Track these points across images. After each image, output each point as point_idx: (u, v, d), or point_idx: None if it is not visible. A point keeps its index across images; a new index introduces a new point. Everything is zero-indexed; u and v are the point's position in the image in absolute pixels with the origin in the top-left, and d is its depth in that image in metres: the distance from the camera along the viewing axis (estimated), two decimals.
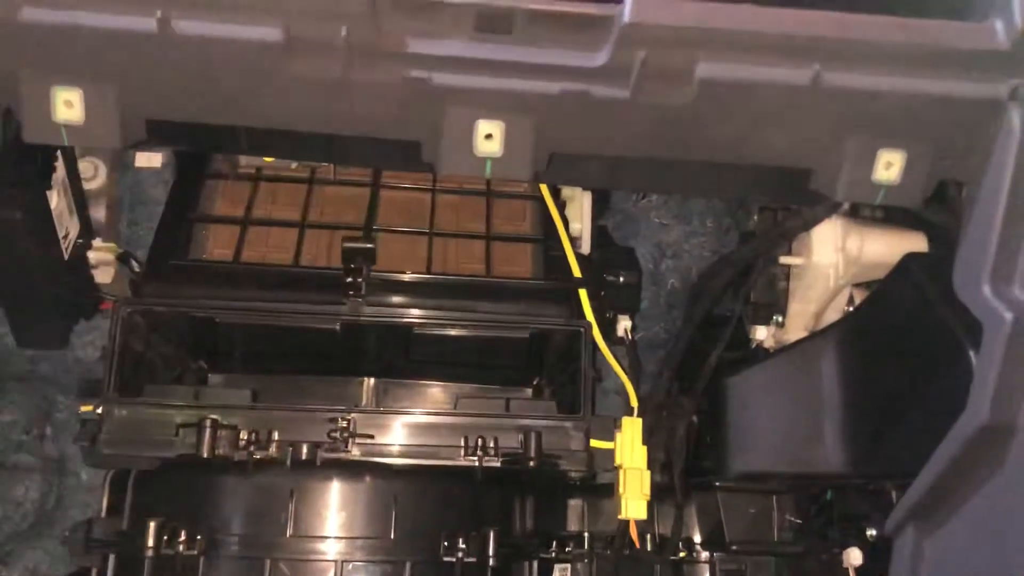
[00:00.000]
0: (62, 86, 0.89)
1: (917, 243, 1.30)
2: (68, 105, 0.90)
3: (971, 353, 0.98)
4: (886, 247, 1.32)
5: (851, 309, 1.41)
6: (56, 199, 1.38)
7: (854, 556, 1.34)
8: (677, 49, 0.87)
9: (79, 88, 0.89)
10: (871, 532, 1.32)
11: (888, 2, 0.94)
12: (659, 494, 1.38)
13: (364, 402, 1.50)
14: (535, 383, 1.60)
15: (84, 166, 1.52)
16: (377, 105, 0.91)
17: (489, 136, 0.92)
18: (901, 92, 0.89)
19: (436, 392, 1.57)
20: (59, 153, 1.35)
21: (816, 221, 1.35)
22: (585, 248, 1.57)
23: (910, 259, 1.21)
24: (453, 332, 1.43)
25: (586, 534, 1.50)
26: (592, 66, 0.89)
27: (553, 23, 0.89)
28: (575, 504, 1.55)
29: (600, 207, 1.68)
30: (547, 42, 0.89)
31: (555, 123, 0.92)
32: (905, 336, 1.18)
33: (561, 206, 1.57)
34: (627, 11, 0.86)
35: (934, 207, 1.06)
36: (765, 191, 1.23)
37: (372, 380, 1.53)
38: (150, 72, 0.89)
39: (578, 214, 1.59)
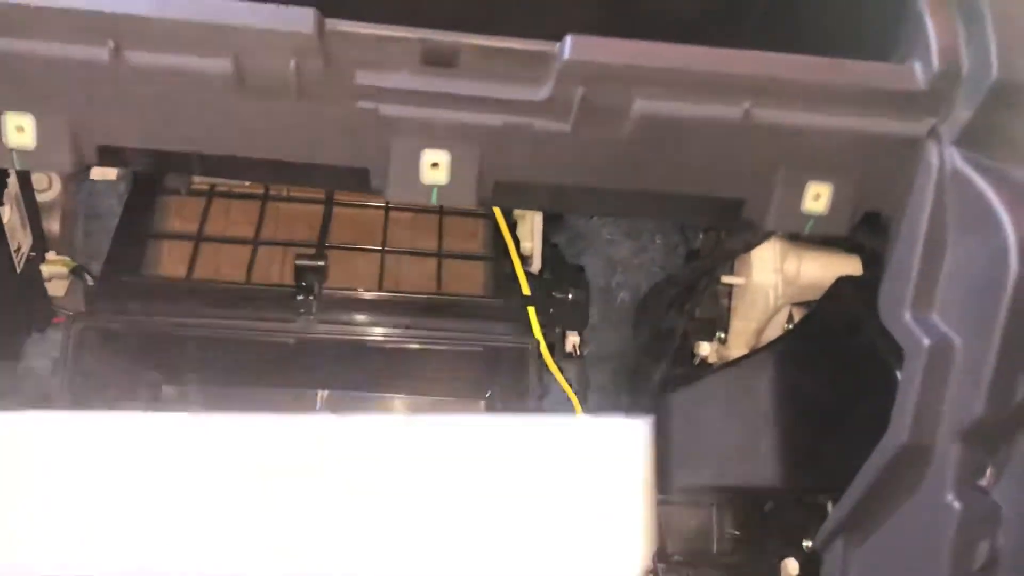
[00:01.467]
0: (13, 111, 0.90)
1: (852, 266, 1.35)
2: (19, 130, 0.91)
3: (897, 374, 1.03)
4: (823, 269, 1.37)
5: (791, 327, 1.46)
6: (8, 213, 1.39)
7: (791, 566, 1.39)
8: (614, 86, 0.91)
9: (31, 114, 0.91)
10: (807, 543, 1.36)
11: (814, 41, 0.99)
12: None
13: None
14: (488, 395, 1.64)
15: (38, 178, 1.53)
16: (326, 134, 0.94)
17: (435, 165, 0.95)
18: (827, 128, 0.94)
19: (390, 404, 1.60)
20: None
21: (755, 243, 1.40)
22: (536, 266, 1.61)
23: (842, 282, 1.26)
24: (406, 348, 1.45)
25: None
26: (534, 100, 0.92)
27: (497, 58, 0.92)
28: None
29: (553, 225, 1.72)
30: (491, 76, 0.92)
31: (499, 153, 0.96)
32: (838, 356, 1.23)
33: (512, 225, 1.61)
34: (566, 48, 0.89)
35: (866, 232, 1.11)
36: (701, 218, 1.27)
37: (326, 393, 1.55)
38: (102, 100, 0.90)
39: (529, 233, 1.62)
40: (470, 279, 1.55)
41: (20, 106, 0.90)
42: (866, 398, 1.15)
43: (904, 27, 0.94)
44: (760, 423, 1.35)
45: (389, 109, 0.92)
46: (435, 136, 0.94)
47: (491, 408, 1.62)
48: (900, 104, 0.93)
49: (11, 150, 0.91)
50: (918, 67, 0.92)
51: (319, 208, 1.54)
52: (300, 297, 1.37)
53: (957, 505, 0.90)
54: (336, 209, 1.55)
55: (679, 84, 0.91)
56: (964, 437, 0.90)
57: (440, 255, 1.55)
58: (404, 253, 1.54)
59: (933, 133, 0.93)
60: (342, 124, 0.93)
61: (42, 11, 0.84)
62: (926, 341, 0.92)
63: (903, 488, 0.98)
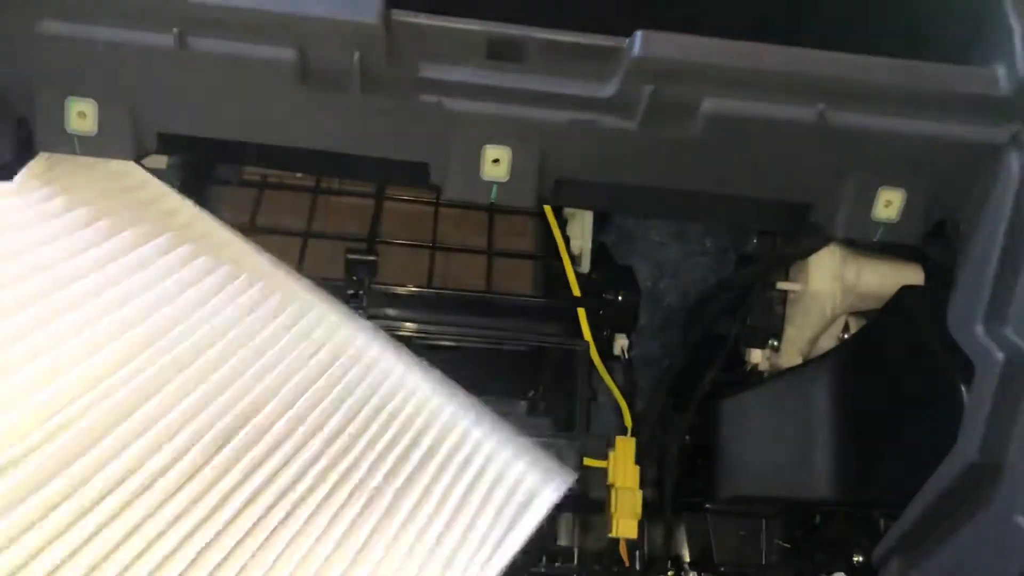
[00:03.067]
0: (76, 97, 0.90)
1: (914, 275, 1.31)
2: (81, 116, 0.91)
3: (963, 389, 1.00)
4: (883, 278, 1.33)
5: (846, 337, 1.42)
6: None
7: None
8: (684, 83, 0.88)
9: (93, 100, 0.91)
10: (857, 558, 1.33)
11: (893, 44, 0.96)
12: (649, 511, 1.39)
13: None
14: (531, 395, 1.62)
15: None
16: (387, 127, 0.93)
17: (496, 161, 0.93)
18: (903, 133, 0.91)
19: None
20: None
21: (814, 249, 1.36)
22: (585, 266, 1.58)
23: (905, 292, 1.22)
24: (451, 345, 1.44)
25: (575, 549, 1.52)
26: (600, 97, 0.90)
27: (564, 53, 0.90)
28: (565, 519, 1.56)
29: (600, 225, 1.69)
30: (557, 71, 0.91)
31: (561, 150, 0.94)
32: (898, 368, 1.20)
33: (563, 223, 1.59)
34: (636, 45, 0.87)
35: (932, 242, 1.08)
36: (766, 222, 1.24)
37: None
38: (164, 87, 0.90)
39: (579, 232, 1.60)
40: (519, 277, 1.53)
41: (82, 91, 0.90)
42: (927, 413, 1.12)
43: (987, 29, 0.91)
44: (813, 434, 1.32)
45: (452, 103, 0.91)
46: (497, 132, 0.92)
47: (533, 408, 1.60)
48: (981, 109, 0.90)
49: (72, 136, 0.91)
50: (1001, 71, 0.89)
51: (370, 202, 1.53)
52: (350, 291, 1.36)
53: None
54: (387, 203, 1.54)
55: (751, 83, 0.88)
56: None
57: (490, 252, 1.53)
58: (454, 250, 1.53)
59: (1015, 140, 0.90)
60: (404, 117, 0.92)
61: None
62: (1000, 355, 0.89)
63: (969, 507, 0.95)
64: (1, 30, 0.85)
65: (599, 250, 1.67)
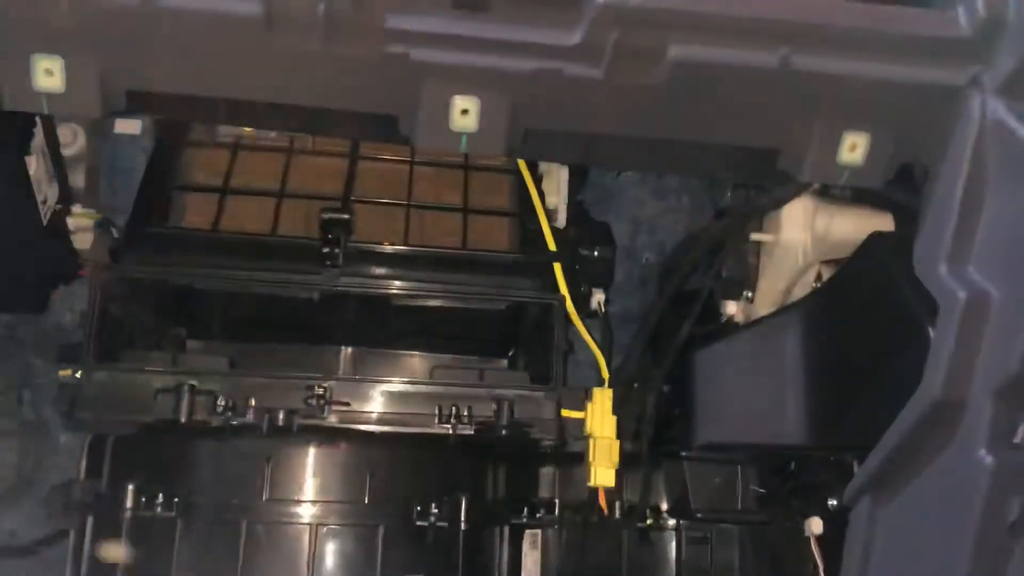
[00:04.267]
0: (42, 54, 0.90)
1: (884, 223, 1.33)
2: (48, 74, 0.90)
3: (930, 331, 1.01)
4: (853, 226, 1.35)
5: (819, 285, 1.44)
6: (35, 165, 1.39)
7: (815, 525, 1.39)
8: (649, 30, 0.89)
9: (60, 57, 0.90)
10: (832, 502, 1.36)
11: None
12: (628, 462, 1.42)
13: (341, 370, 1.52)
14: (511, 354, 1.63)
15: (63, 131, 1.52)
16: (356, 79, 0.93)
17: (465, 112, 0.94)
18: (866, 77, 0.92)
19: (412, 361, 1.60)
20: (38, 119, 1.36)
21: (786, 200, 1.38)
22: (561, 222, 1.59)
23: (875, 238, 1.24)
24: (429, 303, 1.45)
25: (556, 501, 1.54)
26: (566, 45, 0.91)
27: (529, 1, 0.90)
28: (546, 472, 1.59)
29: (578, 182, 1.70)
30: (523, 20, 0.91)
31: (530, 100, 0.94)
32: (868, 313, 1.22)
33: (538, 180, 1.60)
34: None
35: (899, 187, 1.09)
36: (734, 169, 1.25)
37: (349, 349, 1.55)
38: (131, 43, 0.90)
39: (555, 188, 1.61)
40: (495, 234, 1.54)
41: (49, 48, 0.90)
42: (896, 355, 1.14)
43: None
44: (786, 381, 1.34)
45: (419, 53, 0.91)
46: (465, 82, 0.93)
47: (513, 365, 1.61)
48: (942, 52, 0.91)
49: (40, 94, 0.91)
50: (962, 13, 0.90)
51: (343, 162, 1.53)
52: (326, 250, 1.37)
53: (989, 461, 0.89)
54: (361, 163, 1.54)
55: (716, 28, 0.89)
56: (998, 393, 0.89)
57: (465, 210, 1.53)
58: (429, 208, 1.53)
59: (975, 82, 0.91)
60: (371, 69, 0.92)
61: None
62: (962, 294, 0.91)
63: (933, 444, 0.97)
64: None
65: (576, 207, 1.68)
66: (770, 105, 0.95)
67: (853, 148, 0.96)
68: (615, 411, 1.39)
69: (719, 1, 0.89)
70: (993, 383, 0.90)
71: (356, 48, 0.90)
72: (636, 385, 1.54)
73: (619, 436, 1.38)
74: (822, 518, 1.38)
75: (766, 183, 1.35)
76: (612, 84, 0.92)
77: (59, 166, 1.49)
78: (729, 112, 0.96)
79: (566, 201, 1.61)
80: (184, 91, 0.96)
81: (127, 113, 0.99)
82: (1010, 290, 0.89)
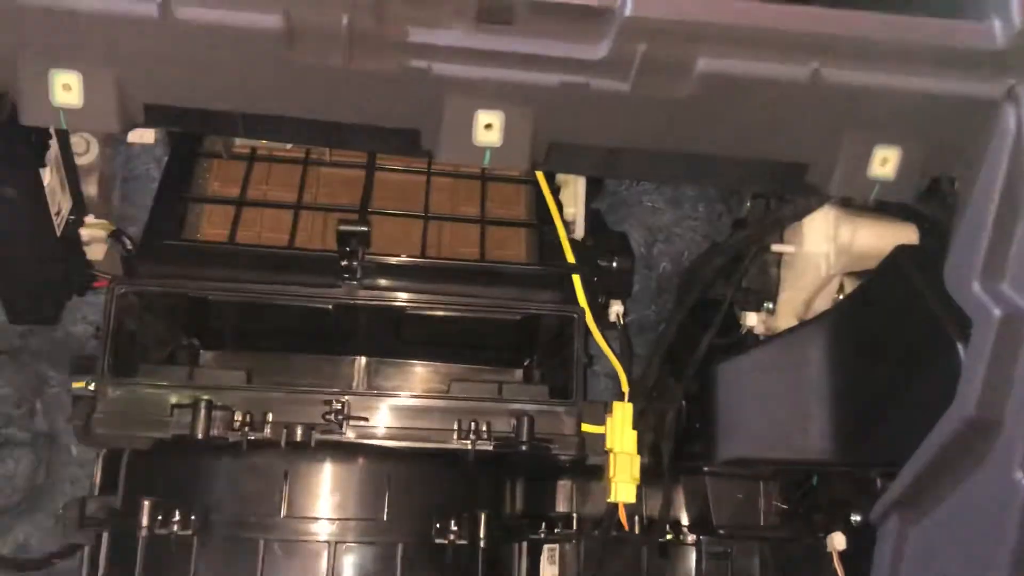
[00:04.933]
0: (60, 69, 0.89)
1: (908, 235, 1.31)
2: (66, 89, 0.89)
3: (959, 347, 0.99)
4: (877, 238, 1.33)
5: (841, 298, 1.42)
6: (49, 176, 1.38)
7: (838, 541, 1.37)
8: (677, 43, 0.87)
9: (78, 72, 0.89)
10: (855, 518, 1.34)
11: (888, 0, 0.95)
12: (647, 476, 1.40)
13: (356, 381, 1.51)
14: (526, 364, 1.62)
15: (76, 141, 1.51)
16: (377, 94, 0.91)
17: (488, 126, 0.92)
18: (898, 90, 0.90)
19: (428, 372, 1.58)
20: (53, 130, 1.35)
21: (808, 210, 1.36)
22: (579, 233, 1.58)
23: (900, 251, 1.22)
24: (446, 315, 1.43)
25: (575, 515, 1.52)
26: (592, 59, 0.89)
27: (554, 15, 0.89)
28: (564, 485, 1.57)
29: (593, 191, 1.68)
30: (548, 34, 0.89)
31: (554, 114, 0.93)
32: (894, 327, 1.20)
33: (555, 190, 1.58)
34: (628, 4, 0.86)
35: (926, 200, 1.07)
36: (761, 183, 1.24)
37: (364, 359, 1.54)
38: (149, 57, 0.89)
39: (572, 198, 1.59)
40: (513, 245, 1.52)
41: (67, 64, 0.89)
42: (923, 371, 1.12)
43: None
44: (809, 396, 1.32)
45: (442, 68, 0.89)
46: (489, 96, 0.91)
47: (529, 374, 1.60)
48: (976, 64, 0.89)
49: (58, 109, 0.90)
50: (997, 25, 0.88)
51: (360, 173, 1.52)
52: (343, 262, 1.35)
53: None
54: (378, 174, 1.53)
55: (745, 41, 0.87)
56: None
57: (483, 221, 1.52)
58: (447, 219, 1.52)
59: (1011, 95, 0.89)
60: (393, 84, 0.90)
61: None
62: (997, 311, 0.89)
63: (967, 464, 0.96)
64: None
65: (593, 217, 1.67)
66: (799, 119, 0.93)
67: (884, 162, 0.95)
68: (634, 425, 1.37)
69: (748, 13, 0.87)
70: None
71: (378, 63, 0.89)
72: (655, 394, 1.53)
73: (638, 450, 1.37)
74: (845, 534, 1.37)
75: (794, 195, 1.33)
76: (638, 98, 0.91)
77: (73, 176, 1.48)
78: (757, 126, 0.94)
79: (584, 211, 1.59)
80: (203, 105, 0.95)
81: (144, 125, 0.98)
82: None
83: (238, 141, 1.54)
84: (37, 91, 0.89)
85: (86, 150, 1.55)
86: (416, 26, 0.88)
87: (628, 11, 0.85)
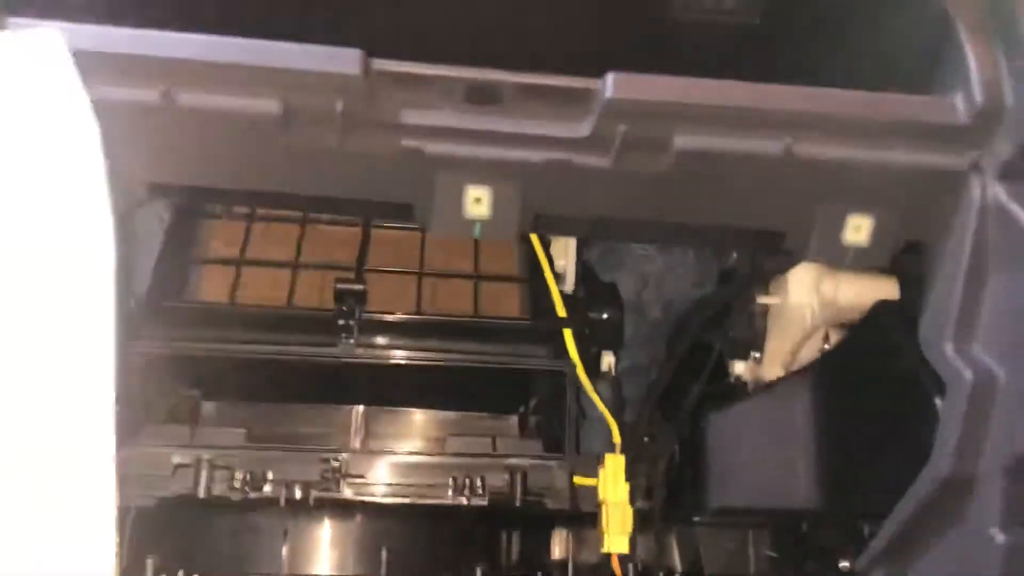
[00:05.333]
0: None
1: (890, 288, 1.34)
2: None
3: (937, 402, 1.03)
4: (859, 291, 1.36)
5: (827, 347, 1.45)
6: None
7: None
8: (655, 123, 0.92)
9: None
10: (844, 564, 1.36)
11: (853, 75, 1.00)
12: (640, 524, 1.42)
13: (354, 429, 1.53)
14: (521, 411, 1.64)
15: None
16: (371, 171, 0.96)
17: (478, 200, 0.96)
18: (868, 162, 0.94)
19: (424, 419, 1.61)
20: None
21: (791, 265, 1.39)
22: (569, 285, 1.61)
23: (880, 307, 1.26)
24: (441, 369, 1.47)
25: (570, 564, 1.54)
26: (576, 137, 0.93)
27: (539, 96, 0.93)
28: (559, 534, 1.59)
29: (584, 242, 1.72)
30: (533, 114, 0.94)
31: (540, 187, 0.97)
32: (875, 381, 1.23)
33: (547, 244, 1.62)
34: (608, 86, 0.90)
35: (904, 257, 1.11)
36: (740, 248, 1.27)
37: (362, 408, 1.57)
38: (153, 141, 0.93)
39: (563, 251, 1.63)
40: (506, 300, 1.56)
41: None
42: (905, 424, 1.15)
43: (945, 60, 0.94)
44: (797, 446, 1.35)
45: (433, 147, 0.94)
46: (478, 172, 0.95)
47: (523, 422, 1.63)
48: (942, 137, 0.93)
49: None
50: (960, 100, 0.92)
51: (357, 231, 1.56)
52: (341, 321, 1.39)
53: (1002, 539, 0.90)
54: (374, 231, 1.57)
55: (720, 119, 0.92)
56: (1008, 472, 0.90)
57: (476, 277, 1.56)
58: (441, 276, 1.55)
59: (975, 167, 0.94)
60: (387, 162, 0.95)
61: (97, 57, 0.86)
62: (968, 374, 0.93)
63: (946, 519, 0.98)
64: None
65: (583, 268, 1.70)
66: (774, 190, 0.97)
67: (857, 230, 0.98)
68: (627, 474, 1.40)
69: (722, 93, 0.92)
70: (1003, 461, 0.91)
71: (372, 143, 0.93)
72: (647, 442, 1.55)
73: (632, 499, 1.39)
74: None
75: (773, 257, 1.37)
76: (620, 172, 0.95)
77: None
78: (734, 197, 0.98)
79: (574, 264, 1.63)
80: (204, 184, 0.99)
81: (147, 200, 1.02)
82: (1015, 370, 0.90)
83: None
84: None
85: None
86: (407, 108, 0.93)
87: (609, 93, 0.90)
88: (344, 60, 0.89)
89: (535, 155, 0.94)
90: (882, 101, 0.93)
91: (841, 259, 0.99)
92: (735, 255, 1.60)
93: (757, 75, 0.93)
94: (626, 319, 1.67)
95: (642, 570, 1.52)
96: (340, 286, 1.40)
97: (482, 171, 0.95)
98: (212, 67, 0.88)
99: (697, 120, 0.92)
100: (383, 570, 1.31)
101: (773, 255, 1.42)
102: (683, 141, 0.92)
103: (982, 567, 0.92)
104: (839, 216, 0.98)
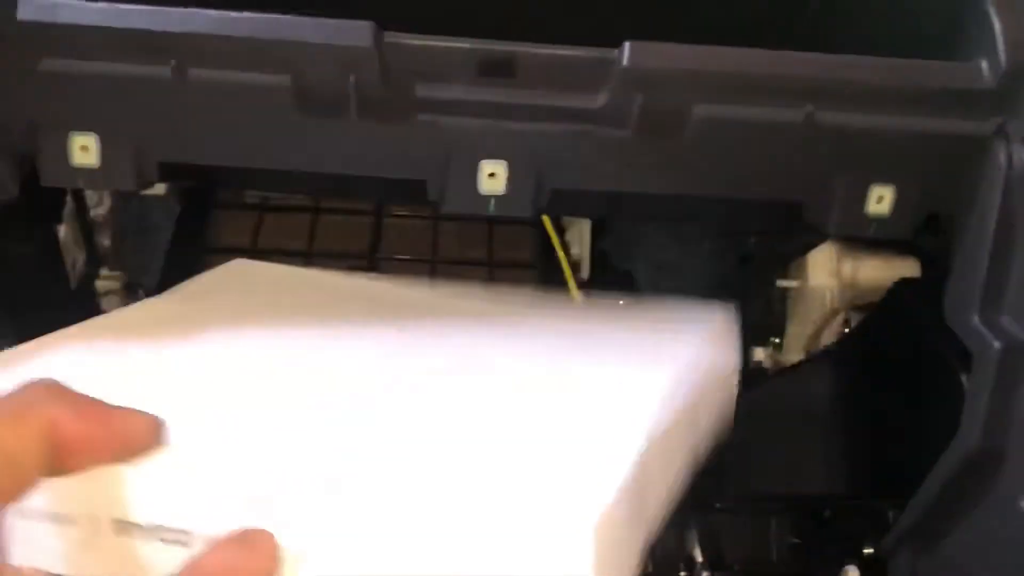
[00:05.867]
0: (78, 132, 0.92)
1: (910, 268, 1.32)
2: (83, 150, 0.92)
3: (963, 378, 1.01)
4: (880, 272, 1.35)
5: (847, 331, 1.44)
6: (64, 231, 1.41)
7: (852, 574, 1.37)
8: (674, 91, 0.90)
9: (95, 133, 0.92)
10: (868, 550, 1.34)
11: (876, 42, 0.98)
12: None
13: None
14: None
15: (89, 195, 1.55)
16: (384, 147, 0.94)
17: (492, 175, 0.95)
18: (891, 130, 0.93)
19: None
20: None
21: (810, 247, 1.38)
22: (584, 273, 1.60)
23: (901, 285, 1.24)
24: None
25: None
26: (592, 108, 0.92)
27: (554, 66, 0.92)
28: None
29: (599, 230, 1.71)
30: (549, 85, 0.92)
31: (557, 162, 0.95)
32: (898, 360, 1.21)
33: (561, 231, 1.61)
34: (625, 55, 0.89)
35: (925, 234, 1.09)
36: (759, 222, 1.26)
37: None
38: (163, 118, 0.92)
39: (578, 239, 1.62)
40: (520, 287, 1.54)
41: (84, 126, 0.92)
42: (929, 403, 1.13)
43: (969, 24, 0.92)
44: (818, 430, 1.33)
45: (447, 121, 0.92)
46: (493, 146, 0.94)
47: None
48: (966, 103, 0.92)
49: (76, 170, 0.93)
50: (984, 65, 0.90)
51: (369, 220, 1.55)
52: None
53: None
54: (385, 220, 1.56)
55: (740, 88, 0.90)
56: None
57: (490, 264, 1.55)
58: (454, 263, 1.54)
59: (1000, 132, 0.92)
60: (400, 137, 0.93)
61: (107, 32, 0.86)
62: (997, 344, 0.91)
63: (973, 494, 0.97)
64: (4, 70, 0.86)
65: (598, 257, 1.69)
66: (795, 160, 0.95)
67: (880, 200, 0.97)
68: None
69: (742, 61, 0.90)
70: None
71: (385, 117, 0.92)
72: None
73: None
74: (858, 567, 1.36)
75: (793, 233, 1.36)
76: (638, 144, 0.93)
77: (87, 229, 1.51)
78: (754, 168, 0.96)
79: (589, 252, 1.61)
80: (214, 162, 0.97)
81: (158, 181, 1.01)
82: None
83: (249, 192, 1.57)
84: (57, 153, 0.92)
85: (99, 203, 1.58)
86: (421, 81, 0.92)
87: (624, 62, 0.88)
88: (356, 33, 0.88)
89: (551, 127, 0.93)
90: (905, 67, 0.91)
91: (863, 231, 0.98)
92: (752, 240, 1.58)
93: (776, 43, 0.92)
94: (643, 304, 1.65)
95: (662, 558, 1.50)
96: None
97: (497, 145, 0.94)
98: (223, 41, 0.88)
99: (716, 89, 0.90)
100: None
101: (791, 237, 1.40)
102: (702, 110, 0.91)
103: (1013, 540, 0.90)
104: (861, 186, 0.96)
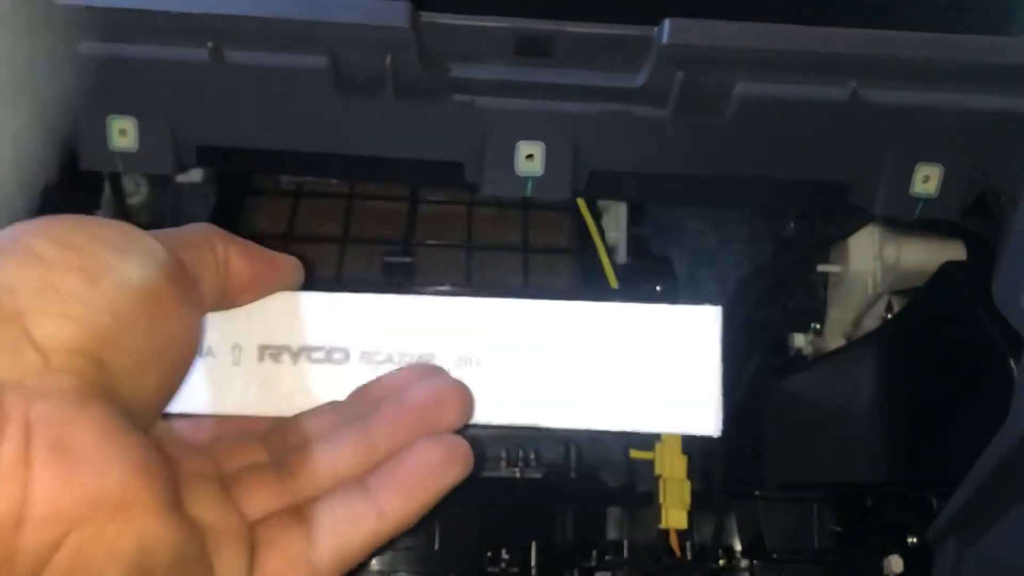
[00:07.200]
0: (117, 116, 0.92)
1: (955, 251, 1.30)
2: (123, 134, 0.93)
3: (1011, 363, 0.98)
4: (924, 255, 1.32)
5: (890, 316, 1.41)
6: (102, 217, 1.42)
7: (895, 563, 1.34)
8: (714, 69, 0.88)
9: (133, 117, 0.92)
10: (911, 540, 1.32)
11: (923, 17, 0.95)
12: (698, 502, 1.39)
13: None
14: None
15: (126, 181, 1.56)
16: (421, 129, 0.94)
17: (530, 156, 0.94)
18: (938, 107, 0.90)
19: None
20: (106, 173, 1.39)
21: (852, 230, 1.35)
22: (621, 258, 1.58)
23: (948, 268, 1.21)
24: None
25: (625, 542, 1.51)
26: (631, 87, 0.91)
27: (592, 45, 0.90)
28: (614, 512, 1.56)
29: (635, 217, 1.69)
30: (587, 64, 0.91)
31: (595, 142, 0.94)
32: (944, 345, 1.19)
33: (597, 216, 1.59)
34: (665, 32, 0.87)
35: (972, 216, 1.07)
36: (803, 204, 1.23)
37: None
38: (201, 101, 0.92)
39: (614, 224, 1.60)
40: (556, 273, 1.53)
41: (123, 110, 0.92)
42: (975, 389, 1.10)
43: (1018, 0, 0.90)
44: (861, 416, 1.31)
45: (484, 102, 0.91)
46: (530, 127, 0.93)
47: None
48: (1014, 79, 0.89)
49: (115, 153, 0.93)
50: None
51: (404, 206, 1.54)
52: None
53: None
54: (421, 206, 1.55)
55: (782, 65, 0.88)
56: None
57: (525, 249, 1.53)
58: (490, 249, 1.53)
59: None
60: (437, 118, 0.93)
61: (144, 14, 0.86)
62: None
63: (1022, 482, 0.94)
64: (45, 53, 0.87)
65: (636, 242, 1.67)
66: (839, 139, 0.93)
67: (926, 180, 0.94)
68: (684, 450, 1.37)
69: (785, 37, 0.88)
70: None
71: (422, 98, 0.91)
72: None
73: (688, 475, 1.36)
74: (902, 556, 1.34)
75: (837, 216, 1.33)
76: (678, 123, 0.92)
77: (124, 217, 1.52)
78: (797, 147, 0.94)
79: (625, 237, 1.60)
80: (251, 145, 0.97)
81: (195, 166, 1.01)
82: None
83: (284, 177, 1.57)
84: (96, 137, 0.92)
85: (135, 191, 1.59)
86: (457, 62, 0.91)
87: (664, 39, 0.87)
88: (392, 13, 0.87)
89: (589, 107, 0.92)
90: (952, 43, 0.89)
91: (910, 212, 0.95)
92: (792, 224, 1.56)
93: (819, 19, 0.89)
94: (679, 298, 1.64)
95: (700, 547, 1.49)
96: (388, 259, 1.39)
97: (534, 125, 0.93)
98: (260, 23, 0.87)
99: (758, 66, 0.88)
100: (436, 544, 1.29)
101: (833, 220, 1.38)
102: (744, 88, 0.89)
103: None
104: (907, 165, 0.93)
